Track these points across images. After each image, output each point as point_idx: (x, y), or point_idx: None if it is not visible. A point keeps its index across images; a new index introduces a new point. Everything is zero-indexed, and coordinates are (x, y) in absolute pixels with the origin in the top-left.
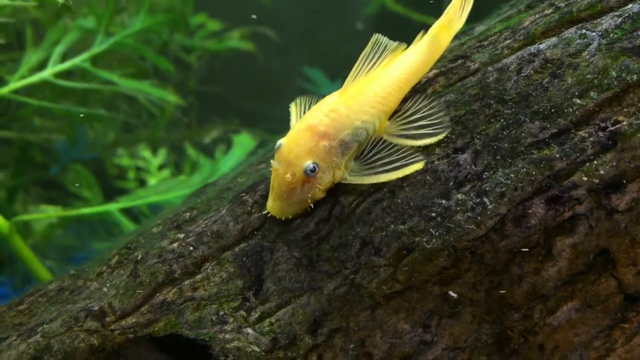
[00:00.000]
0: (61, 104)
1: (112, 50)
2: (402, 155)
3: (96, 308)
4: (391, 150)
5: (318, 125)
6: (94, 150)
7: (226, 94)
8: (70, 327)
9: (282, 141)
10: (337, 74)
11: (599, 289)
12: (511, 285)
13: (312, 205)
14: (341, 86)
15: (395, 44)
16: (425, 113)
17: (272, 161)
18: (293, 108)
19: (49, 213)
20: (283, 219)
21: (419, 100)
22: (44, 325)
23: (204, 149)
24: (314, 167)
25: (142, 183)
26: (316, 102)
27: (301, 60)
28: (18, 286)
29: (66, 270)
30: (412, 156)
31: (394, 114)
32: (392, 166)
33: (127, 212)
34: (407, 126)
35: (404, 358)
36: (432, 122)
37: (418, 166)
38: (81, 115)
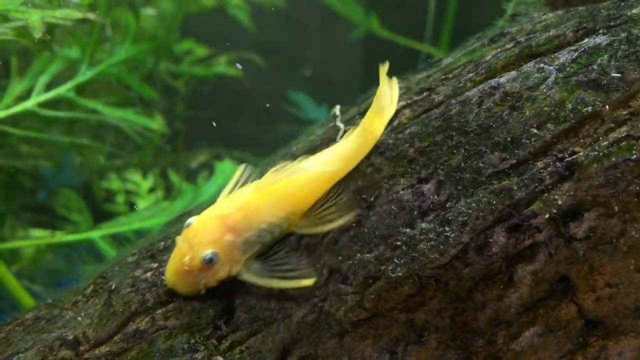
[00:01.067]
0: (47, 132)
1: (96, 79)
2: (298, 267)
3: (70, 337)
4: (291, 260)
5: (228, 218)
6: (81, 176)
7: (214, 118)
8: (45, 356)
9: (191, 221)
10: (324, 97)
11: (560, 314)
12: (475, 312)
13: (203, 291)
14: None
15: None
16: (333, 203)
17: (177, 237)
18: (237, 173)
19: (32, 240)
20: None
21: (330, 196)
22: (19, 355)
23: (191, 173)
24: (212, 257)
25: (131, 206)
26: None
27: (288, 84)
28: (6, 309)
29: (54, 295)
30: (307, 270)
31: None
32: (286, 275)
33: (113, 236)
34: (315, 220)
35: None
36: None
37: (308, 282)
38: (66, 144)
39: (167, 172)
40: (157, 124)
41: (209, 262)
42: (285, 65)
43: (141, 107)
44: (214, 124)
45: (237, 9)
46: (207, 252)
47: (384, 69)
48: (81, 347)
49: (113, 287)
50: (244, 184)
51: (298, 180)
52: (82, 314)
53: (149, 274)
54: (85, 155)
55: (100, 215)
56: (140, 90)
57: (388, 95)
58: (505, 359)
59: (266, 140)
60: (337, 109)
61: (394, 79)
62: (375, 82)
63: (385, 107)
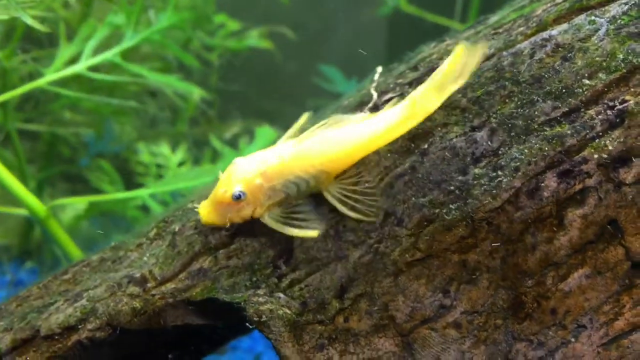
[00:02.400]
0: (87, 99)
1: (136, 48)
2: (309, 217)
3: (137, 275)
4: (305, 209)
5: (264, 163)
6: (120, 143)
7: (245, 91)
8: (114, 292)
9: (237, 160)
10: (352, 73)
11: (608, 256)
12: (525, 254)
13: (227, 224)
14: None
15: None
16: (364, 190)
17: (220, 171)
18: (300, 120)
19: (81, 199)
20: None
21: (365, 175)
22: (89, 291)
23: (224, 144)
24: (239, 194)
25: (161, 179)
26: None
27: (316, 59)
28: (45, 274)
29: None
30: (314, 222)
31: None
32: (296, 223)
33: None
34: (342, 192)
35: (425, 321)
36: (366, 201)
37: (312, 234)
38: (112, 107)
39: (198, 144)
40: (197, 90)
41: (237, 198)
42: (311, 42)
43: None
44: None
45: None
46: (238, 189)
47: (459, 47)
48: (148, 284)
49: (176, 229)
50: (303, 131)
51: (332, 141)
52: (147, 254)
53: None
54: (123, 125)
55: (133, 188)
56: (182, 57)
57: (455, 71)
58: (553, 299)
59: (295, 113)
60: (378, 70)
61: (479, 46)
62: (400, 59)
63: (447, 84)
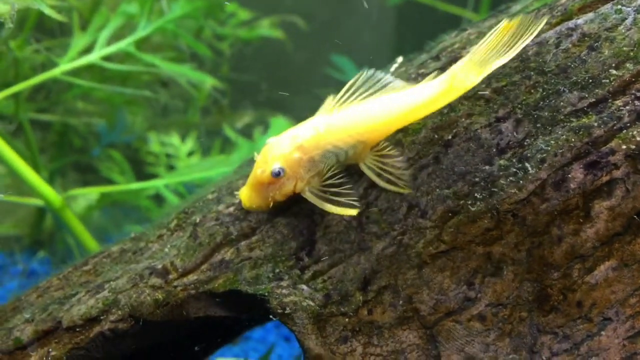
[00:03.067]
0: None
1: (148, 37)
2: (348, 194)
3: (159, 266)
4: (345, 187)
5: (298, 137)
6: (132, 133)
7: (256, 81)
8: (136, 283)
9: (270, 139)
10: (362, 63)
11: (635, 249)
12: (551, 246)
13: (270, 204)
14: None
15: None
16: (394, 163)
17: (255, 153)
18: (328, 99)
19: (96, 189)
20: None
21: (392, 148)
22: (111, 282)
23: (236, 133)
24: (279, 171)
25: (171, 169)
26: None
27: (327, 49)
28: (58, 264)
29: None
30: (354, 200)
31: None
32: (335, 198)
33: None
34: (377, 164)
35: (449, 313)
36: (395, 173)
37: (352, 212)
38: (125, 97)
39: (210, 134)
40: (210, 79)
41: (277, 175)
42: (320, 31)
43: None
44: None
45: None
46: (277, 165)
47: (506, 22)
48: (170, 276)
49: (197, 220)
50: (355, 92)
51: (369, 112)
52: (168, 245)
53: (231, 208)
54: (135, 114)
55: (143, 178)
56: (195, 47)
57: (499, 47)
58: (579, 292)
59: (306, 104)
60: (398, 61)
61: (538, 20)
62: (411, 50)
63: (489, 60)
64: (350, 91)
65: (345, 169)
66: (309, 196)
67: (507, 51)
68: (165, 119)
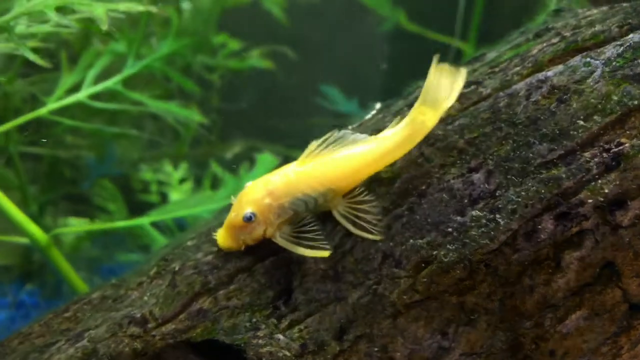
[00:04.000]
0: (92, 123)
1: (137, 73)
2: (317, 237)
3: (138, 315)
4: (316, 233)
5: (271, 184)
6: (121, 166)
7: (247, 110)
8: (115, 332)
9: (247, 184)
10: (353, 91)
11: (606, 298)
12: (523, 296)
13: (242, 247)
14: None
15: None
16: (367, 209)
17: (232, 197)
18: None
19: (82, 226)
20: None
21: (367, 194)
22: (90, 331)
23: (226, 164)
24: (250, 216)
25: (163, 196)
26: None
27: (318, 77)
28: (47, 296)
29: (94, 280)
30: (323, 242)
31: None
32: (306, 243)
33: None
34: (350, 211)
35: None
36: (368, 219)
37: (324, 253)
38: (113, 134)
39: (200, 164)
40: (197, 115)
41: (248, 219)
42: (312, 59)
43: (179, 99)
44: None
45: (273, 3)
46: (248, 210)
47: (436, 61)
48: (149, 325)
49: (176, 268)
50: (327, 146)
51: (339, 161)
52: (148, 293)
53: (210, 256)
54: (125, 146)
55: (135, 205)
56: (182, 83)
57: (443, 87)
58: (552, 341)
59: (297, 132)
60: (376, 107)
61: (462, 70)
62: (402, 76)
63: (440, 100)
64: (323, 145)
65: (317, 218)
66: (279, 241)
67: (448, 98)
68: (155, 151)
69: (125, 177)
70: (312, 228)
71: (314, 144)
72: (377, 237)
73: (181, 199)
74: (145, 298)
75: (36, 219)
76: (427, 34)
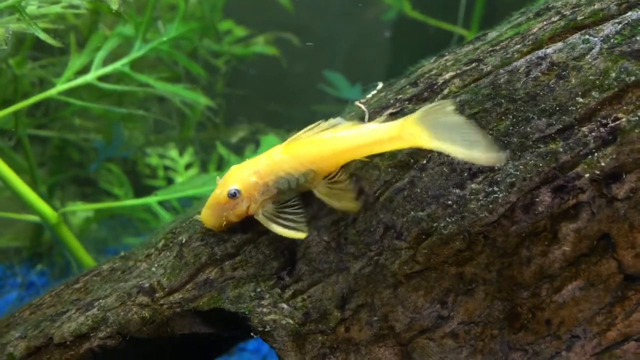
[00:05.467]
0: (99, 105)
1: (144, 56)
2: (298, 219)
3: (146, 285)
4: (297, 211)
5: (256, 164)
6: (128, 148)
7: (251, 96)
8: (124, 301)
9: (233, 166)
10: (357, 79)
11: (601, 269)
12: (520, 266)
13: (224, 223)
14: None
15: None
16: (342, 188)
17: (217, 177)
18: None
19: (91, 205)
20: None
21: (346, 177)
22: (100, 301)
23: (231, 148)
24: (235, 192)
25: (169, 181)
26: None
27: (322, 64)
28: (56, 277)
29: (100, 261)
30: (302, 224)
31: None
32: (285, 223)
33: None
34: (327, 190)
35: (423, 331)
36: (344, 196)
37: (300, 235)
38: (121, 114)
39: (205, 148)
40: (203, 99)
41: (232, 195)
42: (316, 46)
43: (184, 84)
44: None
45: None
46: (232, 187)
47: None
48: (157, 294)
49: (183, 240)
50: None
51: (320, 144)
52: (156, 265)
53: None
54: (132, 129)
55: (142, 190)
56: (189, 67)
57: (448, 130)
58: (548, 310)
59: (300, 118)
60: (378, 86)
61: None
62: (404, 64)
63: (442, 136)
64: (310, 131)
65: (304, 199)
66: (260, 218)
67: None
68: (162, 134)
69: (132, 162)
70: (295, 210)
71: (304, 130)
72: (357, 209)
73: (188, 179)
74: (154, 269)
75: (45, 201)
76: (430, 22)
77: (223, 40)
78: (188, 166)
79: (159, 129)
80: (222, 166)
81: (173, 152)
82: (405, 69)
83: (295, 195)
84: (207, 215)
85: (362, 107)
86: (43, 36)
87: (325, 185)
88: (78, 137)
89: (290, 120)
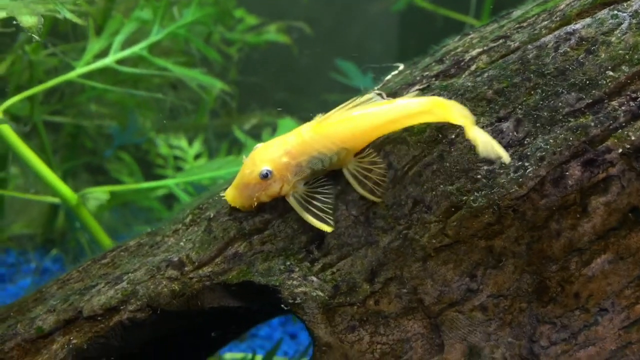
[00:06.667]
0: (113, 91)
1: (158, 42)
2: (327, 209)
3: (175, 259)
4: (327, 199)
5: (287, 144)
6: (142, 135)
7: (263, 84)
8: (153, 275)
9: (258, 145)
10: (365, 69)
11: (630, 242)
12: (550, 240)
13: (255, 204)
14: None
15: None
16: (377, 170)
17: (243, 156)
18: (316, 118)
19: (110, 187)
20: (235, 207)
21: (376, 155)
22: (129, 274)
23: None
24: (267, 173)
25: (179, 171)
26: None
27: (331, 54)
28: (70, 262)
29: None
30: (329, 217)
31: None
32: (314, 211)
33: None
34: (358, 169)
35: (452, 304)
36: (374, 179)
37: (326, 228)
38: (136, 100)
39: (218, 135)
40: (219, 84)
41: (265, 176)
42: (325, 37)
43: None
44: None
45: None
46: (265, 167)
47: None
48: (186, 268)
49: (211, 215)
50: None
51: (351, 120)
52: (184, 239)
53: None
54: (146, 116)
55: (151, 179)
56: (205, 51)
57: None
58: (577, 284)
59: (311, 106)
60: (399, 67)
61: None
62: (410, 54)
63: (460, 113)
64: (342, 107)
65: (333, 179)
66: (291, 201)
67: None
68: (175, 122)
69: (143, 152)
70: (326, 196)
71: (335, 109)
72: (377, 199)
73: (206, 163)
74: (182, 244)
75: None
76: (440, 11)
77: (235, 28)
78: (197, 156)
79: (173, 116)
80: (234, 152)
81: (182, 142)
82: (415, 57)
83: (325, 174)
84: (234, 196)
85: (382, 94)
86: (70, 16)
87: (356, 165)
88: (93, 123)
89: (300, 108)
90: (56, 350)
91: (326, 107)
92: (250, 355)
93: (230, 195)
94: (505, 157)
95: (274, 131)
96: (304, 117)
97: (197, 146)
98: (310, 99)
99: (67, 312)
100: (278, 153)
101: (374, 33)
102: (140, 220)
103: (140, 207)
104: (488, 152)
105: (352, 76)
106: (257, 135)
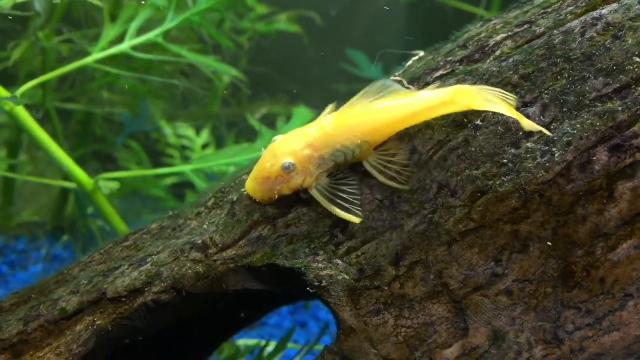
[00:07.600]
0: (126, 78)
1: (170, 32)
2: (354, 200)
3: (199, 242)
4: (352, 190)
5: (309, 136)
6: (154, 123)
7: (273, 74)
8: (177, 257)
9: (278, 137)
10: (372, 58)
11: None
12: (576, 225)
13: (276, 196)
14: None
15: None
16: (396, 161)
17: (263, 149)
18: (328, 108)
19: (125, 172)
20: (255, 200)
21: (402, 146)
22: (153, 256)
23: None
24: (289, 166)
25: (186, 161)
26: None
27: (340, 45)
28: (80, 249)
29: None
30: (357, 208)
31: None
32: (341, 203)
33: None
34: (380, 162)
35: (478, 288)
36: (396, 169)
37: (355, 220)
38: (148, 88)
39: (230, 123)
40: (233, 71)
41: (287, 169)
42: (333, 28)
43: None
44: None
45: None
46: (287, 160)
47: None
48: (210, 250)
49: (235, 199)
50: (365, 97)
51: (374, 113)
52: (207, 222)
53: None
54: (157, 104)
55: (159, 167)
56: (219, 39)
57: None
58: (602, 269)
59: (320, 96)
60: (419, 55)
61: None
62: (418, 47)
63: (495, 100)
64: (361, 95)
65: (356, 173)
66: (315, 194)
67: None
68: (186, 110)
69: (152, 141)
70: (350, 188)
71: (355, 98)
72: (404, 187)
73: (221, 150)
74: (205, 226)
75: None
76: (451, 3)
77: (246, 17)
78: (205, 146)
79: (185, 105)
80: (240, 142)
81: (189, 132)
82: (421, 50)
83: (347, 167)
84: (255, 188)
85: (402, 80)
86: None
87: (377, 157)
88: (104, 111)
89: (309, 98)
90: (80, 331)
91: (334, 98)
92: (263, 342)
93: (250, 187)
94: (546, 131)
95: (288, 120)
96: (313, 107)
97: (205, 136)
98: (320, 89)
99: (90, 294)
100: (300, 145)
101: (382, 24)
102: (149, 209)
103: (149, 197)
104: (531, 126)
105: (362, 66)
106: (268, 125)
